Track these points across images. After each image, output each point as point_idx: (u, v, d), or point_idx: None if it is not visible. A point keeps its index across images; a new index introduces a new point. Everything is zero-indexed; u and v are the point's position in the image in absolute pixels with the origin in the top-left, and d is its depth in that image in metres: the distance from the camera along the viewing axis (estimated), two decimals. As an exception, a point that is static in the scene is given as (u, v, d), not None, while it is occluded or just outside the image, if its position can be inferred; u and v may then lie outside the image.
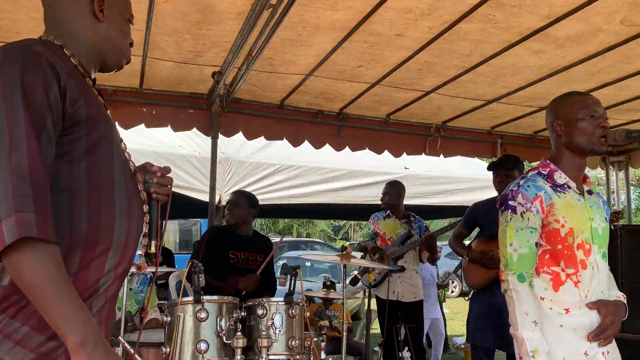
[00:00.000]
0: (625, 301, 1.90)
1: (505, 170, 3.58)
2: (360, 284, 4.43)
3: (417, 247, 4.34)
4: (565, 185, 1.87)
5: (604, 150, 1.87)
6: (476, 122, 4.83)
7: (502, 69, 3.61)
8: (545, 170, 1.91)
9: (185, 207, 5.19)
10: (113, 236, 1.23)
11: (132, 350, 2.35)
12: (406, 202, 4.94)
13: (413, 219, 4.49)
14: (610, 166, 5.54)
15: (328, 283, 3.20)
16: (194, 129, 4.22)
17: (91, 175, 1.20)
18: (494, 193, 3.84)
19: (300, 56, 3.43)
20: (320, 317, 2.94)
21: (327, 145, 4.57)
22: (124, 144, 1.41)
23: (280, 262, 9.17)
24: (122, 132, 4.24)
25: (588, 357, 1.74)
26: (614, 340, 1.90)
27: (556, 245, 1.80)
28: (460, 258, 3.84)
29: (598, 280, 1.80)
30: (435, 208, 6.07)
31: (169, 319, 2.46)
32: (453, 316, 9.60)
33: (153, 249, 1.48)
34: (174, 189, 4.76)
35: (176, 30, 3.06)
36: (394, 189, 4.56)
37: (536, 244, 1.82)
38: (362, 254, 4.57)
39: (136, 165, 1.51)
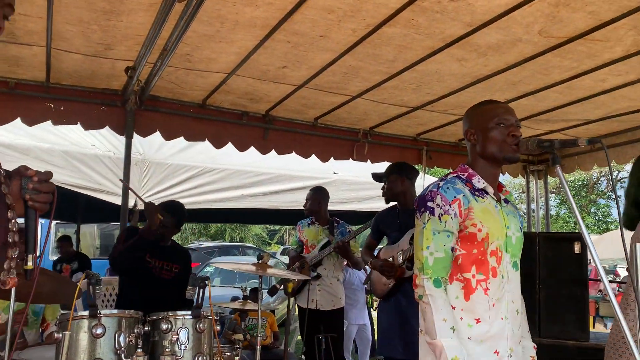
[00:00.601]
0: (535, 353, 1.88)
1: (394, 175, 3.65)
2: (278, 293, 4.32)
3: (338, 254, 4.27)
4: (483, 190, 1.82)
5: (516, 158, 1.85)
6: (402, 129, 4.84)
7: (426, 76, 3.60)
8: (464, 175, 1.87)
9: (102, 210, 4.88)
10: None
11: None
12: (335, 207, 4.87)
13: (336, 224, 4.41)
14: (531, 175, 5.74)
15: (246, 294, 3.04)
16: (107, 127, 3.94)
17: None
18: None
19: (220, 53, 3.26)
20: (234, 331, 2.78)
21: (252, 148, 4.41)
22: None
23: (208, 268, 8.92)
24: (27, 130, 3.92)
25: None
26: (525, 350, 1.88)
27: (472, 249, 1.74)
28: None
29: (508, 290, 1.76)
30: (364, 214, 6.04)
31: (61, 335, 2.22)
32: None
33: (30, 265, 1.31)
34: (88, 192, 4.41)
35: (82, 20, 2.82)
36: (316, 194, 4.48)
37: (452, 248, 1.76)
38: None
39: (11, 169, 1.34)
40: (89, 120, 3.85)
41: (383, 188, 3.75)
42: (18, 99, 3.61)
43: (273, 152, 4.50)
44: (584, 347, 3.93)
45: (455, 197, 1.78)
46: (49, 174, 1.35)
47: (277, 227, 34.90)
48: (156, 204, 3.45)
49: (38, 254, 1.37)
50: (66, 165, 4.14)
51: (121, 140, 4.30)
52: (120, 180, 3.65)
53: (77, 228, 7.34)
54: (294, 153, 4.59)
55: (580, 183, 23.97)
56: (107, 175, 4.31)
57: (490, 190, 1.84)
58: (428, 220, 1.78)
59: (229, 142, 4.31)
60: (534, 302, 4.04)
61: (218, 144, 4.27)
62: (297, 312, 4.58)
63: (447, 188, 1.80)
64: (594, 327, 9.03)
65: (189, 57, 3.31)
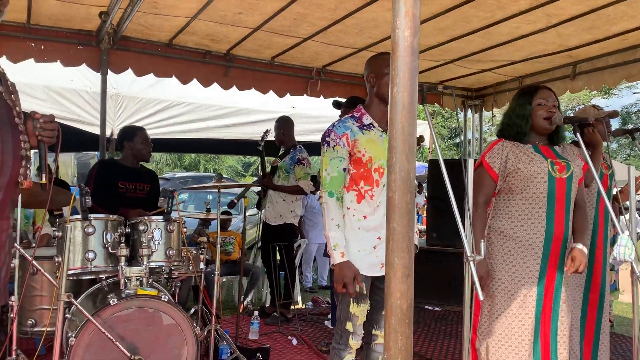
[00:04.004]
0: (417, 239, 2.57)
1: (344, 108, 4.19)
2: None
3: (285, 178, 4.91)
4: (371, 125, 2.45)
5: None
6: (352, 67, 5.38)
7: (365, 22, 4.12)
8: (357, 114, 2.49)
9: (79, 140, 5.38)
10: None
11: (29, 257, 2.73)
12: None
13: (292, 150, 4.95)
14: (469, 108, 6.40)
15: (209, 207, 3.70)
16: (84, 65, 4.41)
17: None
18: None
19: (183, 1, 3.72)
20: (199, 234, 3.45)
21: (215, 84, 4.93)
22: (4, 87, 1.80)
23: (182, 196, 9.56)
24: (12, 66, 4.36)
25: (376, 249, 2.40)
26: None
27: (359, 169, 2.40)
28: None
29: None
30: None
31: (60, 234, 2.86)
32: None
33: (44, 180, 1.89)
34: (66, 122, 4.99)
35: (58, -30, 3.25)
36: (278, 124, 5.04)
37: (344, 169, 2.40)
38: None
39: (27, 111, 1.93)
40: (67, 59, 4.31)
41: (340, 116, 4.33)
42: (2, 39, 4.04)
43: (234, 88, 5.02)
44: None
45: (344, 132, 2.39)
46: (51, 117, 1.91)
47: (252, 159, 35.53)
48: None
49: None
50: (47, 99, 4.62)
51: (97, 75, 4.77)
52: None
53: (56, 157, 7.79)
54: (253, 89, 5.12)
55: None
56: (84, 108, 4.81)
57: (376, 124, 2.46)
58: (326, 150, 2.41)
59: (194, 79, 4.82)
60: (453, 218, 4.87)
61: (184, 80, 4.78)
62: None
63: (339, 127, 2.41)
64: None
65: (155, 4, 3.77)
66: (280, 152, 5.08)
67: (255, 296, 5.93)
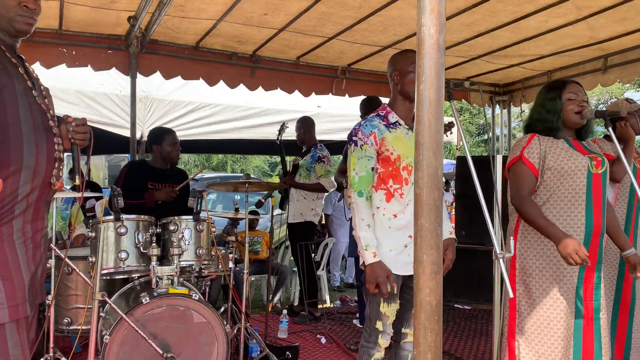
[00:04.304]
0: (454, 235, 2.55)
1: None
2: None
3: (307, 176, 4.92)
4: (397, 123, 2.44)
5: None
6: (377, 65, 5.36)
7: (390, 20, 4.11)
8: (382, 112, 2.48)
9: (110, 142, 5.49)
10: (23, 158, 1.74)
11: (71, 263, 2.82)
12: (319, 137, 5.46)
13: (313, 149, 4.97)
14: (497, 104, 6.31)
15: (236, 206, 3.74)
16: (114, 69, 4.51)
17: None
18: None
19: (209, 4, 3.77)
20: (228, 234, 3.49)
21: (241, 85, 4.98)
22: (38, 92, 1.85)
23: (211, 196, 9.69)
24: (45, 72, 4.49)
25: (407, 248, 2.39)
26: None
27: (388, 167, 2.39)
28: None
29: None
30: (345, 143, 6.66)
31: (93, 234, 2.93)
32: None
33: (77, 182, 1.98)
34: (98, 125, 5.11)
35: (90, -22, 3.34)
36: (300, 124, 5.08)
37: (372, 168, 2.40)
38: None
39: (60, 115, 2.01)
40: (98, 63, 4.42)
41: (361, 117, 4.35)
42: (35, 45, 4.16)
43: (260, 89, 5.06)
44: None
45: (371, 131, 2.38)
46: (83, 120, 1.98)
47: (277, 159, 35.72)
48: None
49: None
50: (79, 103, 4.74)
51: (126, 79, 4.88)
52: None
53: (87, 159, 7.98)
54: (279, 89, 5.15)
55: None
56: (115, 111, 4.91)
57: (402, 122, 2.45)
58: (354, 150, 2.40)
59: (221, 80, 4.88)
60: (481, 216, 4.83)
61: (211, 82, 4.84)
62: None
63: (366, 125, 2.40)
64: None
65: (182, 7, 3.83)
66: (303, 150, 5.11)
67: (284, 295, 5.97)
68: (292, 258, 7.04)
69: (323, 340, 4.27)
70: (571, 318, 2.42)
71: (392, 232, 2.38)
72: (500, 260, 2.04)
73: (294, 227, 4.98)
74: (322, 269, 6.04)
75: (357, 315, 4.98)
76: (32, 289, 1.79)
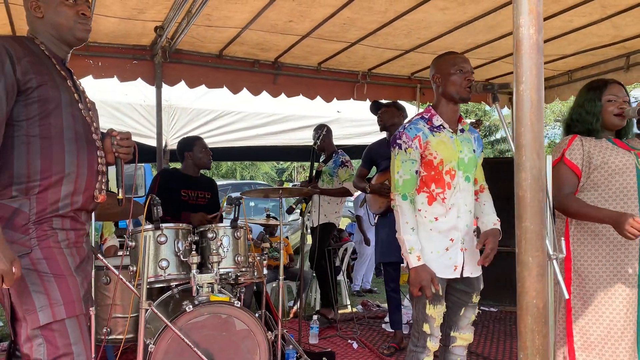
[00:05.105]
0: (499, 226, 2.54)
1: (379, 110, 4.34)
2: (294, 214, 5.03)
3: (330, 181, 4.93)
4: (441, 126, 2.44)
5: (469, 98, 2.43)
6: (397, 69, 5.37)
7: (414, 24, 4.12)
8: (427, 115, 2.48)
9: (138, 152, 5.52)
10: (64, 168, 1.78)
11: (115, 271, 2.82)
12: (339, 142, 5.46)
13: (335, 155, 4.96)
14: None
15: (268, 213, 3.75)
16: (139, 79, 4.53)
17: (42, 125, 1.74)
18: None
19: (236, 12, 3.80)
20: (262, 240, 3.50)
21: (264, 92, 4.99)
22: (83, 105, 1.90)
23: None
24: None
25: (448, 251, 2.38)
26: (474, 241, 2.54)
27: (430, 171, 2.39)
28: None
29: (460, 197, 2.42)
30: (365, 147, 6.66)
31: (133, 243, 2.94)
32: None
33: (120, 195, 1.98)
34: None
35: (121, -10, 3.37)
36: (317, 133, 5.07)
37: (416, 171, 2.40)
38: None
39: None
40: (124, 73, 4.44)
41: (379, 117, 4.37)
42: (63, 57, 4.19)
43: (282, 96, 5.08)
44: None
45: (416, 134, 2.38)
46: (127, 134, 2.00)
47: (285, 165, 35.86)
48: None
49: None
50: (105, 114, 4.76)
51: (149, 88, 4.90)
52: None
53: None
54: (301, 95, 5.17)
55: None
56: (139, 121, 4.94)
57: (447, 125, 2.45)
58: (398, 153, 2.40)
59: (244, 88, 4.89)
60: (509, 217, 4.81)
61: (234, 90, 4.86)
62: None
63: (410, 129, 2.40)
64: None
65: (209, 17, 3.85)
66: (322, 159, 5.10)
67: (305, 301, 5.97)
68: (308, 262, 7.06)
69: (355, 345, 4.26)
70: (633, 319, 2.38)
71: (433, 234, 2.38)
72: (555, 262, 2.03)
73: (316, 230, 4.96)
74: (342, 274, 6.03)
75: (386, 319, 4.97)
76: (83, 289, 1.80)
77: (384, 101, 4.82)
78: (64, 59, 1.96)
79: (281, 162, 33.84)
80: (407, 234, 2.31)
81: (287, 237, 6.97)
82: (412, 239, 2.30)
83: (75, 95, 1.89)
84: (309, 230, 5.03)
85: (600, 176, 2.44)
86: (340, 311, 5.28)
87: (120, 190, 1.97)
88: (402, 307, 4.33)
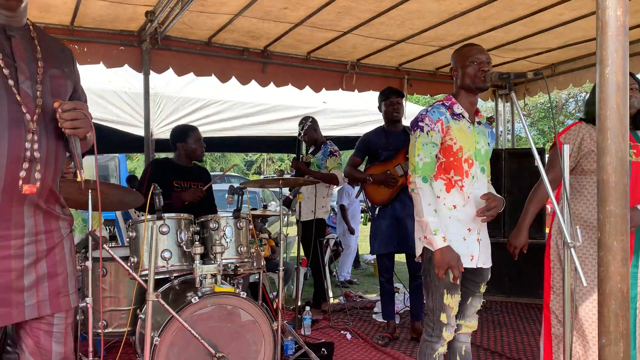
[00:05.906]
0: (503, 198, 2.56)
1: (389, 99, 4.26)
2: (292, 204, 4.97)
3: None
4: (461, 115, 2.44)
5: (486, 87, 2.43)
6: (386, 60, 5.37)
7: (409, 13, 4.11)
8: (448, 102, 2.47)
9: (122, 141, 5.35)
10: None
11: (121, 262, 2.72)
12: (326, 133, 5.41)
13: (323, 145, 4.88)
14: (499, 98, 6.39)
15: (264, 203, 3.69)
16: (126, 66, 4.39)
17: None
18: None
19: (230, -2, 3.71)
20: (260, 231, 3.44)
21: (253, 81, 4.91)
22: (21, 78, 1.59)
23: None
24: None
25: (466, 240, 2.39)
26: (487, 232, 2.56)
27: (449, 157, 2.39)
28: None
29: (477, 187, 2.43)
30: (351, 138, 6.64)
31: (134, 234, 2.85)
32: (363, 238, 10.57)
33: (78, 178, 1.64)
34: (107, 124, 4.91)
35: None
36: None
37: (436, 155, 2.40)
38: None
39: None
40: (110, 60, 4.30)
41: (395, 106, 4.28)
42: (46, 41, 4.01)
43: (269, 86, 5.00)
44: (540, 244, 4.80)
45: (439, 118, 2.38)
46: (73, 104, 1.61)
47: (254, 157, 35.65)
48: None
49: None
50: (88, 101, 4.58)
51: (134, 76, 4.75)
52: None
53: (95, 157, 7.75)
54: (290, 85, 5.10)
55: (549, 105, 24.91)
56: (124, 109, 4.78)
57: (466, 115, 2.45)
58: (419, 135, 2.39)
59: (233, 77, 4.80)
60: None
61: (223, 78, 4.76)
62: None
63: (433, 112, 2.40)
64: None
65: (203, 2, 3.75)
66: (310, 150, 5.05)
67: (286, 292, 5.93)
68: (293, 255, 7.02)
69: (348, 336, 4.26)
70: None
71: (451, 222, 2.38)
72: (572, 250, 2.06)
73: (305, 225, 4.91)
74: (326, 266, 6.02)
75: (375, 310, 4.98)
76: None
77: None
78: (4, 24, 1.64)
79: (250, 154, 33.64)
80: (430, 216, 2.29)
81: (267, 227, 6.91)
82: (436, 220, 2.29)
83: (4, 70, 1.58)
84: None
85: (587, 164, 2.50)
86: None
87: (78, 171, 1.64)
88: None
